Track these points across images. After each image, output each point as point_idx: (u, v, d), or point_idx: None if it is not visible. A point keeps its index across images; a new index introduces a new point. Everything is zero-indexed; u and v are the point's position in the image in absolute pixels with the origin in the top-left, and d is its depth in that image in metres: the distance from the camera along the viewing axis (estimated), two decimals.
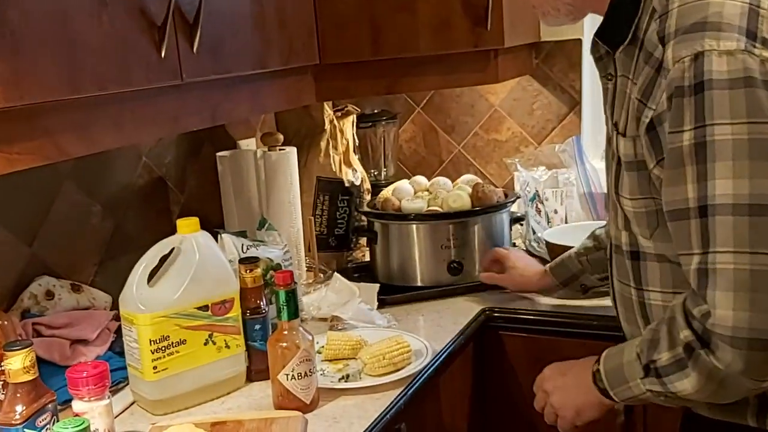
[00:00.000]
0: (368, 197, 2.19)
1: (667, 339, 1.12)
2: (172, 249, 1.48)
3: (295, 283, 1.41)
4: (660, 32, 1.12)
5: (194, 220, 1.49)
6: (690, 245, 1.08)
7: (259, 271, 1.55)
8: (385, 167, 2.44)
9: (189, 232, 1.47)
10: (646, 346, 1.16)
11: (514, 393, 1.85)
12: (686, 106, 1.06)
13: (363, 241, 2.17)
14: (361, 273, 2.10)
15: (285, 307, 1.39)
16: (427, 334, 1.72)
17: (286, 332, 1.40)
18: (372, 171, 2.43)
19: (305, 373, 1.39)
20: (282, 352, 1.39)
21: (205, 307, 1.45)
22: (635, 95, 1.15)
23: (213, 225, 2.02)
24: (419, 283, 1.96)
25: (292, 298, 1.39)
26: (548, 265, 1.79)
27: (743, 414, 1.17)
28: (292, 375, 1.38)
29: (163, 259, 1.49)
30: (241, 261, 1.55)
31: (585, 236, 1.74)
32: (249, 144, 2.21)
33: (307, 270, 2.04)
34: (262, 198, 1.99)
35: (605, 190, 2.26)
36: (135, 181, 1.90)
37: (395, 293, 1.94)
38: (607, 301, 1.82)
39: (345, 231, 2.14)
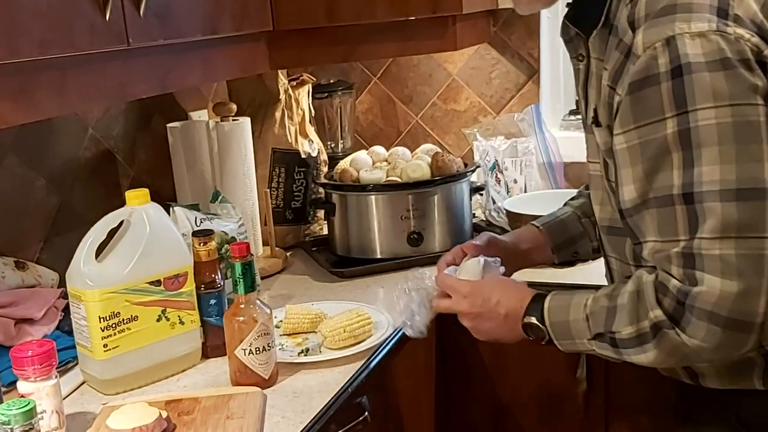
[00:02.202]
0: (325, 169, 2.13)
1: (629, 313, 1.11)
2: (121, 222, 1.42)
3: (252, 255, 1.36)
4: (630, 17, 1.10)
5: (144, 192, 1.42)
6: (675, 231, 1.06)
7: (213, 244, 1.49)
8: (342, 139, 2.39)
9: (138, 203, 1.41)
10: (603, 314, 1.14)
11: (476, 361, 1.83)
12: (664, 92, 1.04)
13: (321, 214, 2.13)
14: (318, 246, 2.06)
15: (241, 280, 1.34)
16: (387, 306, 1.68)
17: (242, 306, 1.35)
18: (329, 143, 2.37)
19: (263, 347, 1.34)
20: (239, 327, 1.34)
21: (157, 282, 1.39)
22: (606, 81, 1.13)
23: (165, 198, 1.95)
24: (379, 255, 1.92)
25: (248, 270, 1.34)
26: (540, 222, 1.53)
27: (749, 377, 1.15)
28: (250, 350, 1.33)
29: (113, 233, 1.42)
30: (195, 234, 1.50)
31: (555, 204, 1.58)
32: (201, 115, 2.14)
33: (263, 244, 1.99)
34: (216, 170, 1.93)
35: (564, 159, 2.26)
36: (81, 154, 1.82)
37: (354, 266, 1.90)
38: (582, 270, 1.81)
39: (302, 204, 2.09)
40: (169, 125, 1.92)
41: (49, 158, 1.73)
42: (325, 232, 2.07)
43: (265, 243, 1.98)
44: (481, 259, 1.37)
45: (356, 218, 1.93)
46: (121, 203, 1.45)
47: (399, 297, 1.41)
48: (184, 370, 1.45)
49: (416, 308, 1.39)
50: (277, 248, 1.98)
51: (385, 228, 1.91)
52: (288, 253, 2.05)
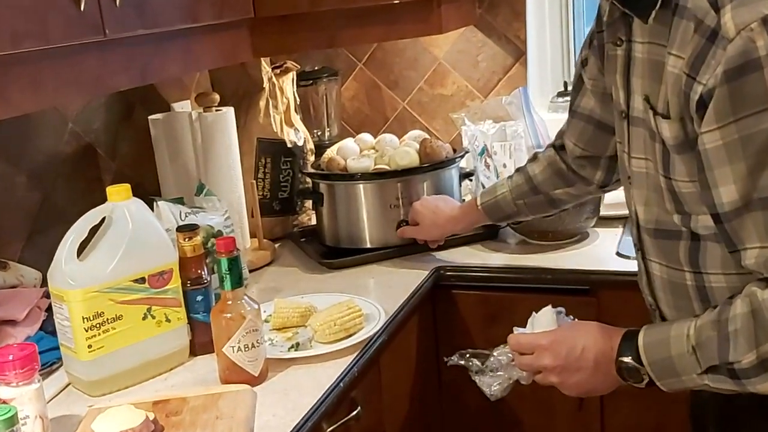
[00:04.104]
0: (312, 158, 2.10)
1: (746, 339, 1.02)
2: (103, 219, 1.38)
3: (238, 250, 1.33)
4: None
5: (125, 187, 1.39)
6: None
7: (198, 239, 1.46)
8: (328, 127, 2.35)
9: (120, 199, 1.37)
10: (714, 344, 1.05)
11: None
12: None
13: (309, 204, 2.09)
14: (307, 237, 2.03)
15: (228, 276, 1.31)
16: (378, 297, 1.66)
17: (230, 302, 1.32)
18: (315, 131, 2.34)
19: (252, 344, 1.31)
20: (226, 324, 1.31)
21: (141, 280, 1.36)
22: (681, 68, 1.02)
23: (149, 192, 1.91)
24: (368, 245, 1.89)
25: (235, 265, 1.31)
26: (479, 201, 1.69)
27: None
28: (238, 347, 1.30)
29: (95, 231, 1.39)
30: (179, 229, 1.46)
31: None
32: (184, 106, 2.10)
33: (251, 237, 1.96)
34: (200, 162, 1.89)
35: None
36: (62, 149, 1.78)
37: (343, 256, 1.87)
38: (559, 254, 1.81)
39: (289, 194, 2.05)
40: (150, 117, 1.88)
41: (30, 154, 1.69)
42: (314, 222, 2.04)
43: (252, 235, 1.95)
44: (551, 309, 1.31)
45: (345, 208, 1.90)
46: (104, 198, 1.41)
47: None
48: (171, 369, 1.42)
49: (488, 380, 1.33)
50: (265, 240, 1.95)
51: (374, 217, 1.88)
52: (276, 245, 2.01)
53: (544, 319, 1.31)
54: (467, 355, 1.38)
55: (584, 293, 1.73)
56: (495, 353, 1.35)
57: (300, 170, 2.03)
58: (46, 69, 1.25)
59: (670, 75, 1.06)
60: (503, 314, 1.76)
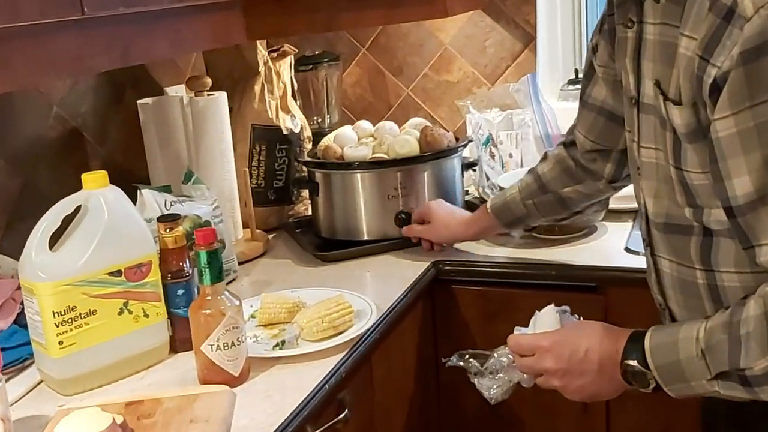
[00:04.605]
0: (309, 146, 2.01)
1: (759, 343, 0.96)
2: (79, 207, 1.30)
3: (219, 242, 1.25)
4: None
5: (101, 174, 1.31)
6: None
7: (180, 229, 1.38)
8: (328, 114, 2.27)
9: (96, 187, 1.30)
10: (725, 348, 0.98)
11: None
12: None
13: (305, 193, 2.01)
14: (303, 228, 1.95)
15: (207, 270, 1.23)
16: (372, 291, 1.58)
17: (209, 298, 1.24)
18: (314, 118, 2.25)
19: (232, 342, 1.23)
20: (205, 320, 1.23)
21: (117, 273, 1.29)
22: (694, 50, 0.95)
23: (140, 180, 1.84)
24: (365, 237, 1.81)
25: (214, 258, 1.23)
26: (489, 204, 1.62)
27: None
28: (217, 345, 1.23)
29: (70, 220, 1.31)
30: (160, 219, 1.39)
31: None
32: (177, 90, 2.02)
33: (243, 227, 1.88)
34: (191, 149, 1.81)
35: (563, 131, 2.14)
36: (46, 133, 1.71)
37: (339, 248, 1.79)
38: (565, 249, 1.72)
39: (285, 183, 1.97)
40: (139, 101, 1.80)
41: (10, 138, 1.62)
42: (311, 212, 1.95)
43: (245, 225, 1.87)
44: (554, 308, 1.24)
45: (341, 198, 1.82)
46: None
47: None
48: (150, 367, 1.34)
49: (488, 382, 1.26)
50: (258, 231, 1.87)
51: (371, 208, 1.80)
52: (270, 236, 1.94)
53: (547, 319, 1.24)
54: (466, 356, 1.31)
55: (591, 290, 1.64)
56: (495, 354, 1.28)
57: (295, 158, 1.95)
58: (16, 49, 1.18)
59: (683, 58, 0.98)
60: (505, 311, 1.68)
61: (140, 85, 1.95)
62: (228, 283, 1.67)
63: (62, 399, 1.26)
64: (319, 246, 1.83)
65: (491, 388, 1.25)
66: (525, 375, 1.23)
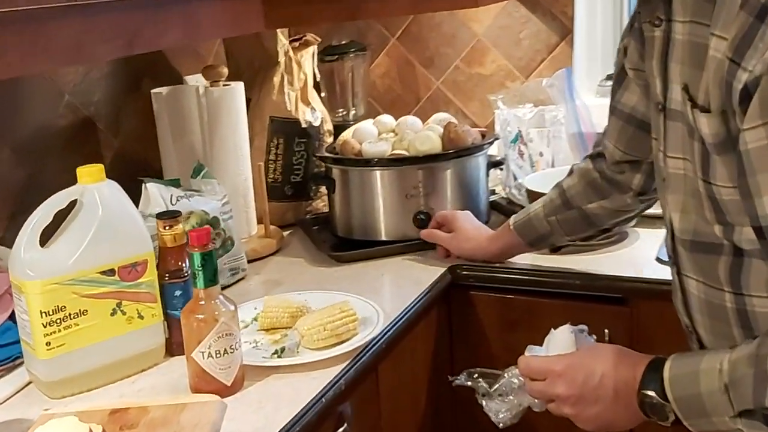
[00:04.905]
0: (330, 140, 1.94)
1: None
2: (75, 203, 1.25)
3: (213, 243, 1.18)
4: None
5: (98, 168, 1.25)
6: None
7: (180, 227, 1.32)
8: (353, 106, 2.19)
9: (91, 181, 1.24)
10: (749, 383, 0.90)
11: (486, 362, 1.62)
12: None
13: (324, 189, 1.94)
14: (320, 225, 1.88)
15: (200, 272, 1.17)
16: (384, 296, 1.51)
17: (202, 302, 1.17)
18: (339, 110, 2.18)
19: (225, 350, 1.17)
20: (197, 326, 1.17)
21: (110, 272, 1.23)
22: (724, 52, 0.87)
23: (154, 172, 1.79)
24: (382, 237, 1.73)
25: (209, 261, 1.17)
26: (511, 221, 1.54)
27: None
28: (209, 353, 1.16)
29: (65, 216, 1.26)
30: (159, 216, 1.33)
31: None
32: (198, 80, 1.96)
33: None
34: (206, 141, 1.75)
35: (598, 129, 2.03)
36: (55, 122, 1.66)
37: (355, 248, 1.71)
38: (592, 257, 1.62)
39: (303, 178, 1.90)
40: (153, 91, 1.74)
41: (16, 127, 1.58)
42: (328, 209, 1.88)
43: (260, 221, 1.81)
44: (570, 327, 1.16)
45: (358, 196, 1.74)
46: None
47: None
48: (144, 370, 1.28)
49: (496, 405, 1.19)
50: (273, 227, 1.81)
51: (389, 207, 1.72)
52: (286, 233, 1.87)
53: (561, 339, 1.16)
54: (475, 375, 1.24)
55: (618, 302, 1.54)
56: (506, 375, 1.20)
57: (313, 153, 1.88)
58: (8, 35, 1.12)
59: (712, 60, 0.88)
60: (526, 320, 1.59)
61: (158, 73, 1.89)
62: (236, 283, 1.61)
63: (49, 402, 1.20)
64: (334, 245, 1.76)
65: (499, 411, 1.18)
66: (535, 402, 1.15)
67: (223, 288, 1.56)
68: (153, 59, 1.88)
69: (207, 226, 1.34)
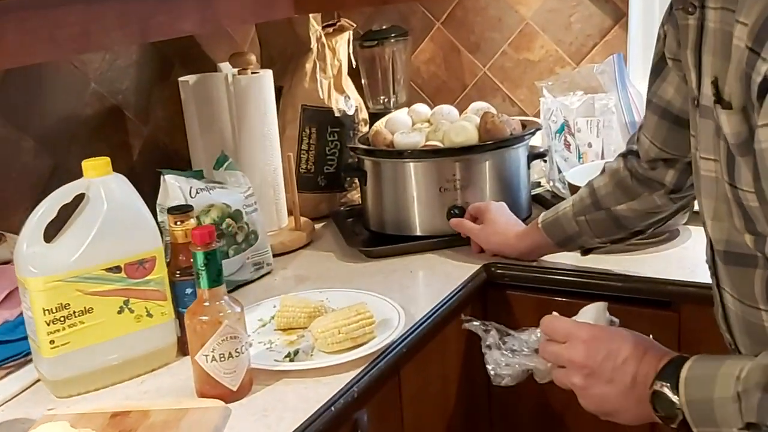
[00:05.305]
0: (365, 129, 1.87)
1: None
2: (80, 197, 1.21)
3: (217, 242, 1.12)
4: None
5: (104, 161, 1.20)
6: None
7: (191, 222, 1.26)
8: (395, 93, 2.10)
9: (97, 175, 1.19)
10: (756, 396, 0.82)
11: None
12: None
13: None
14: (354, 217, 1.80)
15: (204, 272, 1.11)
16: (411, 295, 1.43)
17: (206, 303, 1.12)
18: (380, 97, 2.10)
19: (229, 353, 1.11)
20: (201, 328, 1.11)
21: (116, 269, 1.18)
22: (744, 40, 0.78)
23: (185, 162, 1.75)
24: (416, 232, 1.65)
25: (212, 260, 1.11)
26: (540, 218, 1.45)
27: None
28: (213, 356, 1.11)
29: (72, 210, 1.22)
30: (170, 211, 1.27)
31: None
32: (230, 67, 1.91)
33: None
34: (235, 131, 1.70)
35: None
36: (81, 111, 1.63)
37: (387, 243, 1.64)
38: (639, 257, 1.51)
39: (336, 169, 1.83)
40: (180, 79, 1.70)
41: (40, 116, 1.55)
42: (360, 202, 1.81)
43: (291, 213, 1.75)
44: (605, 305, 1.08)
45: (391, 188, 1.66)
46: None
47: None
48: (154, 370, 1.24)
49: (500, 357, 1.10)
50: (304, 220, 1.75)
51: (422, 201, 1.63)
52: (320, 225, 1.81)
53: (592, 313, 1.08)
54: (489, 327, 1.13)
55: (664, 306, 1.43)
56: (523, 336, 1.11)
57: (345, 143, 1.81)
58: (11, 22, 1.09)
59: (736, 50, 0.78)
60: None
61: (190, 60, 1.85)
62: (260, 278, 1.56)
63: (55, 401, 1.17)
64: (366, 240, 1.69)
65: (499, 366, 1.09)
66: (543, 366, 1.06)
67: (247, 283, 1.53)
68: (185, 46, 1.84)
69: (210, 225, 1.28)
